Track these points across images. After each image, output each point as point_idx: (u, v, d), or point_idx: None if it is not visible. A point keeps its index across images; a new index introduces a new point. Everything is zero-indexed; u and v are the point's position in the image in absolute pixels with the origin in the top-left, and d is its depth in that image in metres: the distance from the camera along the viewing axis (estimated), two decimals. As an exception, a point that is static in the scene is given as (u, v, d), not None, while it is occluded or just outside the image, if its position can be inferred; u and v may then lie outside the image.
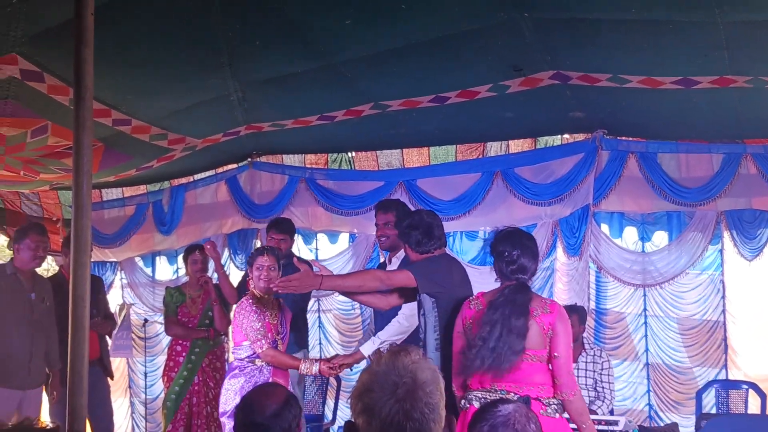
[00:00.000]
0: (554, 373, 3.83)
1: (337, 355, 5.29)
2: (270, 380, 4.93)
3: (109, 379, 6.89)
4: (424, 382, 2.05)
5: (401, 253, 5.18)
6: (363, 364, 5.13)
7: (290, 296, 5.90)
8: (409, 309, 4.93)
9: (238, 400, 4.79)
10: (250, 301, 5.02)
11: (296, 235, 7.83)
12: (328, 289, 4.51)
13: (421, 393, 2.04)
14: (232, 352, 5.15)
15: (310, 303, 6.93)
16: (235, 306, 5.18)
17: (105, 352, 6.76)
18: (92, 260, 8.18)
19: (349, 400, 2.15)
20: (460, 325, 3.96)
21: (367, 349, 4.95)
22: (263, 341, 4.89)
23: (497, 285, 4.22)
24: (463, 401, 3.86)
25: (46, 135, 5.20)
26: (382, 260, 5.89)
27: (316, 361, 4.97)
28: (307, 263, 5.22)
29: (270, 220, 6.64)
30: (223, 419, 5.03)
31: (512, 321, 3.74)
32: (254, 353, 4.96)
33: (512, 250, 3.95)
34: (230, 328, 5.15)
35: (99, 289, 6.84)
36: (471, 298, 4.04)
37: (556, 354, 3.82)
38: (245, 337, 4.95)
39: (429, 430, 2.03)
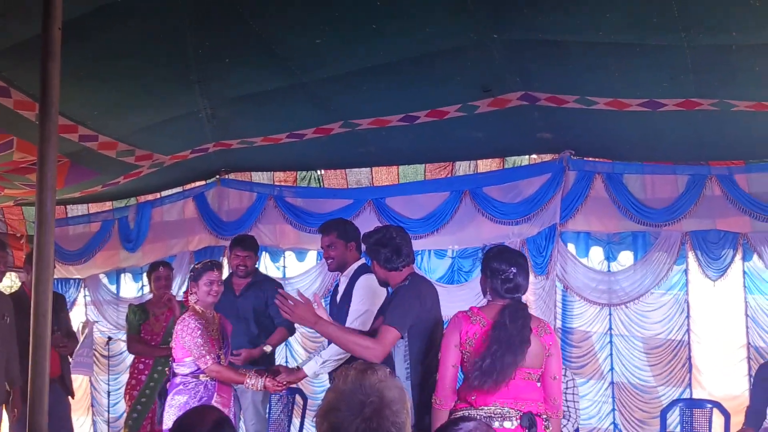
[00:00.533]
0: (551, 393, 3.84)
1: (280, 367, 5.28)
2: (214, 395, 4.95)
3: (69, 398, 6.77)
4: (391, 401, 2.04)
5: (349, 271, 5.20)
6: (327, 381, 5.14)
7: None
8: (352, 327, 4.96)
9: None
10: (193, 317, 4.97)
11: (264, 252, 7.85)
12: (318, 332, 4.45)
13: (387, 412, 2.02)
14: (174, 369, 5.10)
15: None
16: (177, 322, 5.15)
17: (66, 371, 6.61)
18: (56, 277, 8.10)
19: (314, 419, 2.13)
20: (456, 339, 3.85)
21: (310, 368, 4.94)
22: (207, 357, 4.85)
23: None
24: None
25: (11, 150, 5.13)
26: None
27: (262, 376, 4.92)
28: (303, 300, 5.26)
29: (233, 237, 6.60)
30: None
31: (519, 340, 3.71)
32: (197, 369, 4.93)
33: (508, 267, 3.89)
34: (171, 344, 5.13)
35: (61, 306, 6.73)
36: (467, 311, 3.92)
37: (555, 376, 3.85)
38: (188, 353, 4.91)
39: None
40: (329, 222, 5.45)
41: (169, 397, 5.02)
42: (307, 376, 5.01)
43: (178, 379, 5.00)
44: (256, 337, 6.06)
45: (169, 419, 4.95)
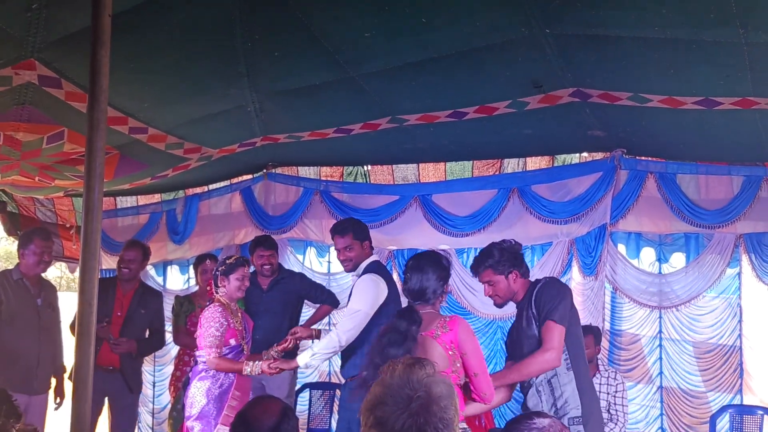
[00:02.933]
0: (480, 389, 3.97)
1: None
2: (234, 382, 5.17)
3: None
4: (439, 396, 2.00)
5: (359, 269, 5.33)
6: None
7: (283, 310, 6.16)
8: (343, 325, 5.01)
9: (204, 402, 5.07)
10: (219, 308, 5.18)
11: (309, 247, 7.94)
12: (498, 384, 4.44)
13: (435, 408, 1.98)
14: (197, 356, 5.29)
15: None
16: (202, 312, 5.34)
17: (128, 363, 6.50)
18: (104, 267, 8.17)
19: (359, 414, 2.09)
20: None
21: (302, 358, 5.05)
22: (214, 349, 5.07)
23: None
24: None
25: (62, 141, 5.19)
26: None
27: (259, 361, 5.13)
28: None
29: (252, 240, 6.69)
30: (188, 423, 5.10)
31: (389, 351, 3.75)
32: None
33: (411, 274, 4.12)
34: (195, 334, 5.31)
35: (150, 302, 6.71)
36: None
37: (475, 373, 3.93)
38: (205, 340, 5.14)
39: None
40: (343, 223, 5.52)
41: (191, 384, 5.17)
42: (299, 366, 5.14)
43: (200, 366, 5.17)
44: (285, 329, 6.23)
45: (191, 406, 5.08)
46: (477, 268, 4.65)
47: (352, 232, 5.33)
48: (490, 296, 4.68)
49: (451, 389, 2.04)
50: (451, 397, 2.03)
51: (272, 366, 5.08)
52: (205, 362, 5.16)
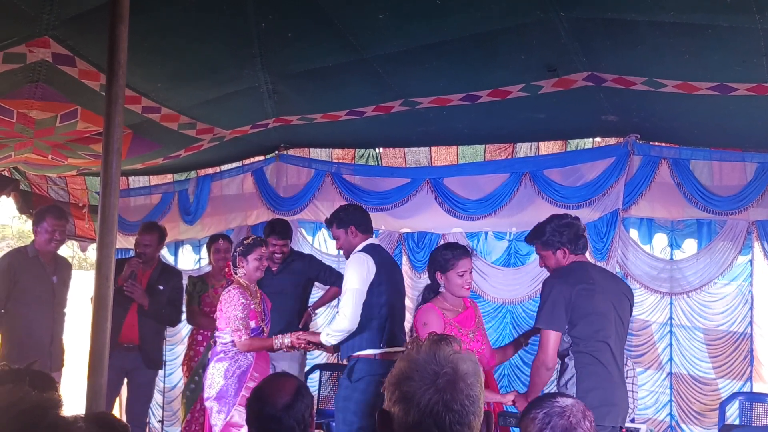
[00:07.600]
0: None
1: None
2: (253, 363, 5.23)
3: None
4: (466, 373, 1.99)
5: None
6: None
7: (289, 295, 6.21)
8: (341, 308, 5.09)
9: (222, 383, 5.13)
10: (238, 290, 5.22)
11: (321, 229, 7.96)
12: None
13: (462, 384, 1.98)
14: (216, 337, 5.35)
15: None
16: (222, 294, 5.39)
17: (149, 339, 6.56)
18: (117, 247, 8.20)
19: (383, 388, 2.09)
20: None
21: (323, 335, 5.18)
22: (242, 332, 5.13)
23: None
24: None
25: (75, 120, 5.21)
26: None
27: (287, 335, 5.22)
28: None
29: (268, 225, 6.77)
30: (207, 403, 5.15)
31: None
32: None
33: None
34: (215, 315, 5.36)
35: (175, 282, 6.81)
36: None
37: None
38: (229, 323, 5.17)
39: (468, 423, 1.97)
40: (329, 216, 5.56)
41: (210, 365, 5.21)
42: (321, 342, 5.25)
43: (219, 347, 5.22)
44: (296, 310, 6.28)
45: (210, 386, 5.13)
46: (529, 240, 5.18)
47: (334, 223, 5.41)
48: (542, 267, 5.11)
49: (477, 367, 2.03)
50: (477, 374, 2.02)
51: (300, 337, 5.20)
52: (225, 344, 5.18)
